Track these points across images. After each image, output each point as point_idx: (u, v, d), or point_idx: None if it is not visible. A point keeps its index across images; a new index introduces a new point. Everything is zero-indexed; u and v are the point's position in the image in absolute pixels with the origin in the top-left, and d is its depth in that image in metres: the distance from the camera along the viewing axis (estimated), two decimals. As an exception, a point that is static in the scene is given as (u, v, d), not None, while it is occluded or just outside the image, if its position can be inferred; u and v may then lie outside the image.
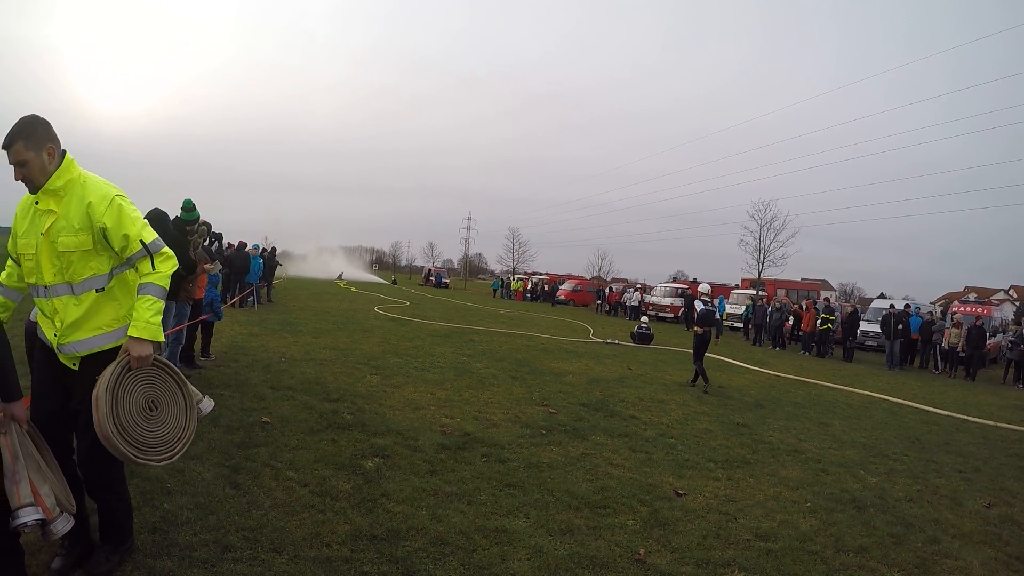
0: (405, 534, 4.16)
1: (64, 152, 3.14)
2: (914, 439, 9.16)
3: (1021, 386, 19.28)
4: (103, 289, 3.15)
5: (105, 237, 3.12)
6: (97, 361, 3.12)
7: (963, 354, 21.22)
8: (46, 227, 3.02)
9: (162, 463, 3.15)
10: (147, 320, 3.09)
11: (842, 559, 4.59)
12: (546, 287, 56.50)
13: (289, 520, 4.18)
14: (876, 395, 13.50)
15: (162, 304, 3.20)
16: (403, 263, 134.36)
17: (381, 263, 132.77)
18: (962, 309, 27.37)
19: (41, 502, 2.69)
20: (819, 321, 23.47)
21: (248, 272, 19.82)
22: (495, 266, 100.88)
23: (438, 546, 4.04)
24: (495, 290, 62.15)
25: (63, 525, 2.81)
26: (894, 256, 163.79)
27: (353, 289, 43.83)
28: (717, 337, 15.46)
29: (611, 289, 47.04)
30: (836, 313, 24.65)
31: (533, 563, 3.97)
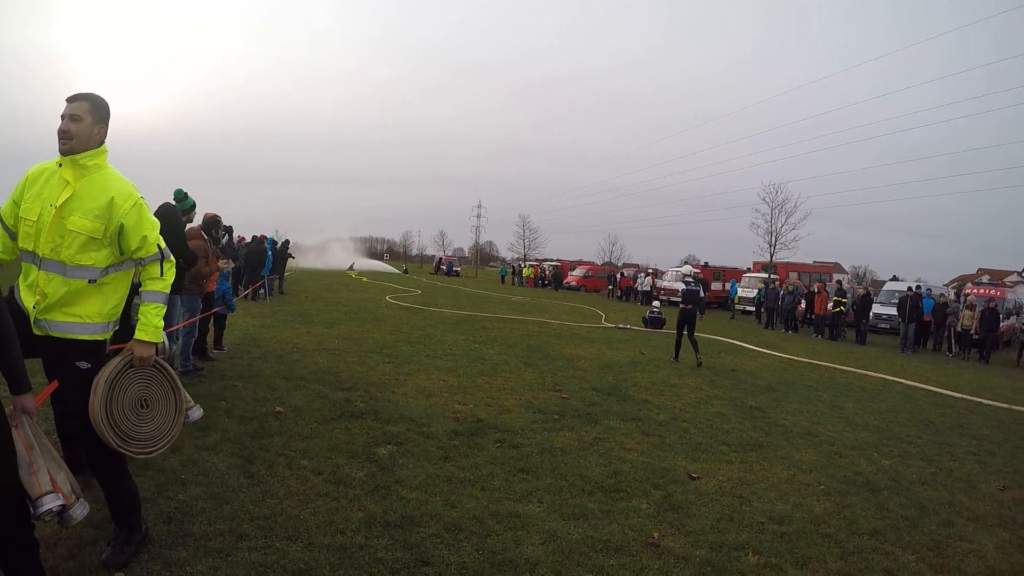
0: (419, 520, 4.17)
1: (104, 142, 3.25)
2: (928, 422, 9.10)
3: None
4: (95, 281, 3.17)
5: (119, 235, 3.18)
6: (68, 347, 3.16)
7: (976, 336, 21.09)
8: (60, 200, 3.04)
9: (139, 455, 3.28)
10: (155, 325, 3.27)
11: (856, 542, 4.57)
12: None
13: (303, 508, 4.20)
14: (890, 378, 13.43)
15: (165, 309, 3.37)
16: (414, 252, 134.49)
17: (392, 253, 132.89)
18: (975, 291, 27.12)
19: (59, 489, 2.72)
20: (831, 304, 23.34)
21: (263, 265, 19.89)
22: (506, 253, 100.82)
23: (452, 532, 4.05)
24: (503, 276, 62.55)
25: (81, 511, 2.86)
26: (906, 238, 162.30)
27: (364, 279, 43.91)
28: (700, 315, 15.67)
29: (623, 274, 46.91)
30: (848, 295, 24.50)
31: (547, 548, 3.98)
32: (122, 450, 3.17)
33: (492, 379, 9.20)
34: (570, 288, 51.78)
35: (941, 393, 12.07)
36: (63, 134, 3.07)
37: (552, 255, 74.79)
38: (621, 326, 20.08)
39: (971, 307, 21.51)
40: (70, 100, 3.13)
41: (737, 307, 32.95)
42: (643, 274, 40.53)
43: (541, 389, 8.80)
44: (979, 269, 78.54)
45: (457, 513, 4.34)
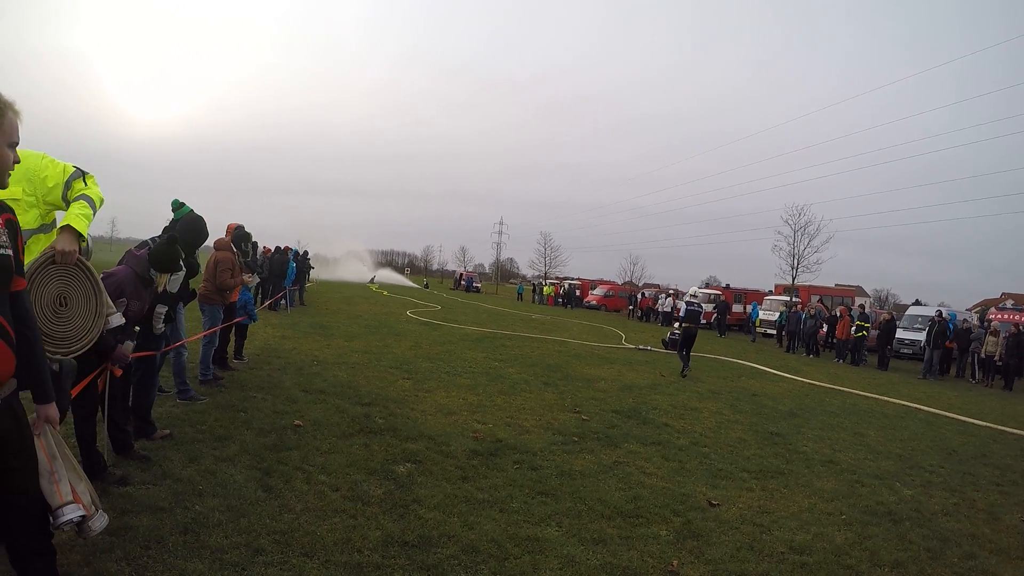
0: (437, 541, 4.13)
1: None
2: (950, 450, 8.95)
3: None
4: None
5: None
6: None
7: (1000, 363, 20.72)
8: None
9: (54, 356, 3.24)
10: (78, 213, 3.35)
11: (878, 574, 4.49)
12: (577, 291, 56.42)
13: (320, 525, 4.17)
14: (912, 405, 13.23)
15: (91, 213, 3.49)
16: (435, 267, 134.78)
17: (413, 267, 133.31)
18: (999, 316, 26.65)
19: (79, 500, 2.72)
20: (854, 328, 23.08)
21: (285, 276, 20.01)
22: (527, 270, 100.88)
23: (470, 554, 4.01)
24: (520, 294, 63.30)
25: (100, 522, 2.87)
26: (929, 261, 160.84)
27: (385, 293, 44.08)
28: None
29: (643, 294, 46.74)
30: (871, 320, 24.21)
31: (565, 573, 3.92)
32: None
33: (512, 398, 9.16)
34: (590, 307, 51.66)
35: (964, 421, 11.89)
36: None
37: (573, 273, 74.75)
38: (641, 347, 19.98)
39: (995, 333, 21.10)
40: None
41: (758, 330, 32.67)
42: (664, 295, 40.38)
43: (561, 410, 8.74)
44: (1003, 293, 77.26)
45: (475, 535, 4.30)
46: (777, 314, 30.67)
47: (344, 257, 79.78)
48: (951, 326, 22.24)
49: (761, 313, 33.27)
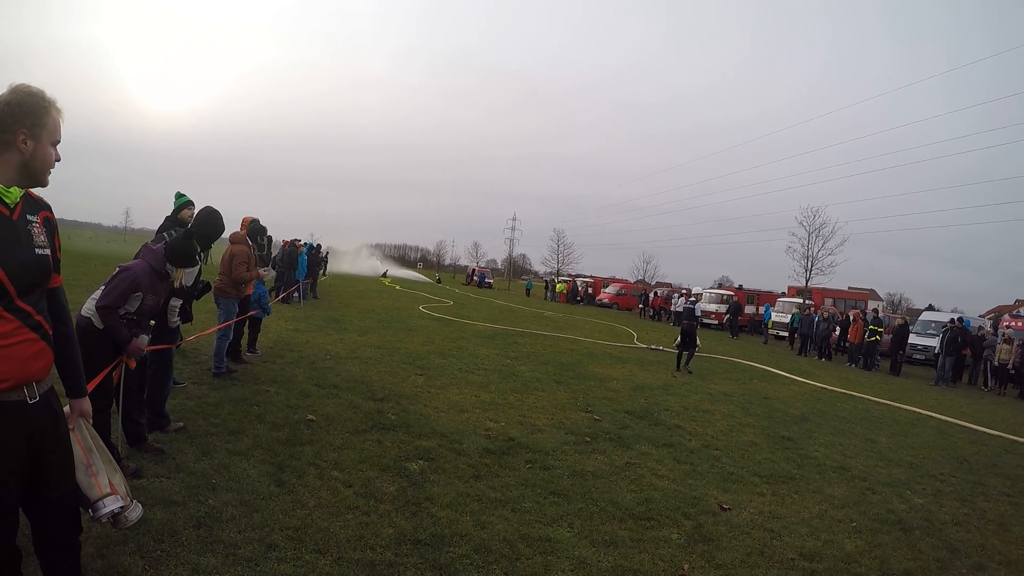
0: (449, 540, 4.13)
1: None
2: (962, 459, 8.89)
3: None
4: None
5: None
6: None
7: (1013, 371, 20.51)
8: None
9: None
10: None
11: (888, 583, 4.47)
12: (590, 289, 56.33)
13: (333, 521, 4.18)
14: (924, 412, 13.13)
15: None
16: (447, 262, 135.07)
17: (425, 262, 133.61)
18: (1014, 324, 26.42)
19: (116, 491, 2.76)
20: (867, 333, 22.94)
21: (296, 268, 20.06)
22: (539, 267, 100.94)
23: (482, 553, 4.01)
24: (528, 290, 64.01)
25: (136, 512, 2.89)
26: (944, 266, 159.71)
27: (397, 287, 44.17)
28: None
29: (656, 293, 46.58)
30: (884, 325, 24.04)
31: (577, 574, 3.92)
32: None
33: (524, 396, 9.16)
34: (602, 305, 51.56)
35: (976, 430, 11.79)
36: None
37: (586, 271, 74.68)
38: (653, 347, 19.93)
39: (1008, 340, 20.87)
40: None
41: (770, 332, 32.52)
42: (677, 294, 40.24)
43: (573, 409, 8.73)
44: (1017, 300, 76.64)
45: (487, 534, 4.30)
46: (789, 316, 30.54)
47: (357, 251, 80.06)
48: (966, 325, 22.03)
49: (774, 315, 33.12)
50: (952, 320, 22.87)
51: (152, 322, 5.07)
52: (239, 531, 3.87)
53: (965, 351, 21.74)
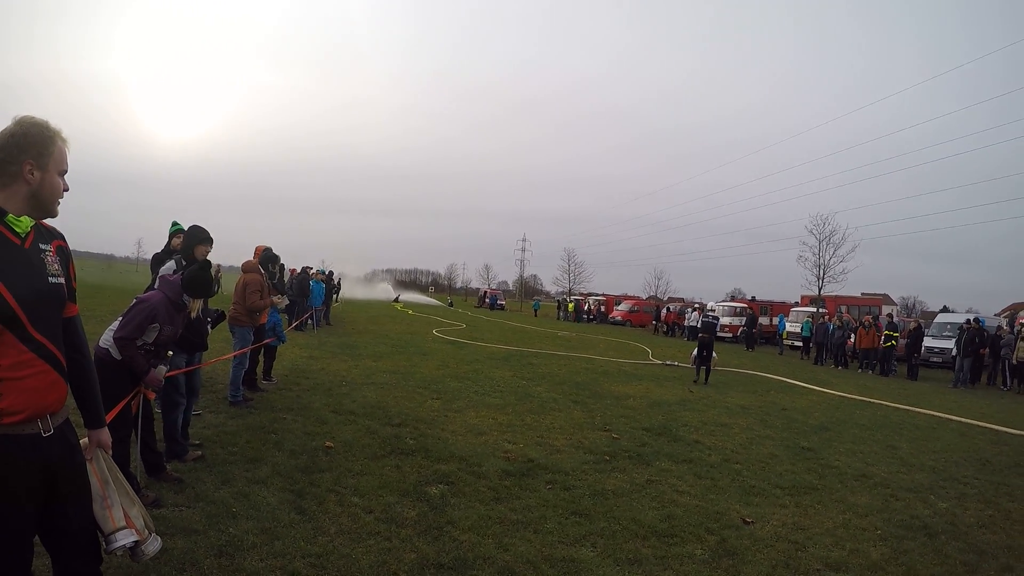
0: (472, 563, 4.10)
1: None
2: (984, 461, 8.79)
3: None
4: None
5: None
6: None
7: None
8: None
9: None
10: None
11: (916, 590, 4.42)
12: (603, 307, 56.27)
13: (355, 547, 4.17)
14: (943, 415, 13.01)
15: None
16: (458, 285, 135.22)
17: (437, 285, 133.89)
18: (1028, 320, 26.11)
19: (132, 524, 2.73)
20: (882, 338, 22.75)
21: (309, 295, 20.12)
22: (551, 287, 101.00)
23: (506, 576, 3.98)
24: (536, 310, 65.69)
25: (153, 546, 2.87)
26: (955, 267, 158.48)
27: (410, 312, 44.26)
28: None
29: (668, 309, 46.44)
30: (899, 329, 23.84)
31: (603, 595, 3.88)
32: None
33: (541, 418, 9.12)
34: (615, 323, 51.49)
35: (997, 430, 11.67)
36: None
37: (598, 289, 74.57)
38: (668, 363, 19.84)
39: (1024, 337, 20.67)
40: None
41: (785, 342, 32.34)
42: (690, 309, 40.13)
43: (591, 429, 8.69)
44: (1032, 296, 75.98)
45: (510, 556, 4.27)
46: (800, 325, 30.39)
47: (368, 277, 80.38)
48: (983, 323, 21.81)
49: (788, 325, 32.95)
50: (968, 321, 22.63)
51: (170, 353, 5.09)
52: (261, 559, 3.86)
53: (984, 351, 21.50)
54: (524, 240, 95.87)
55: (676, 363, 19.74)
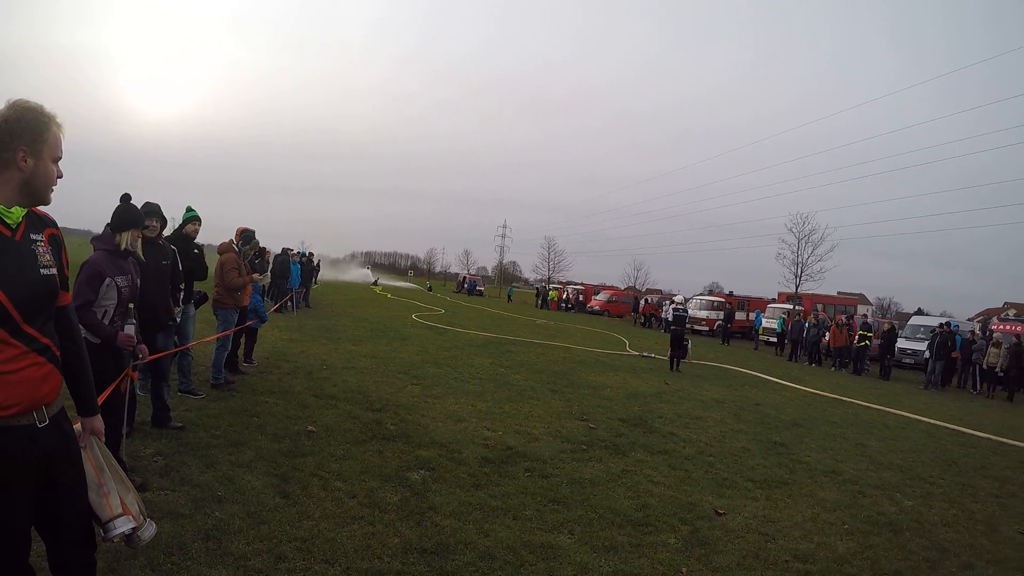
0: (454, 548, 4.22)
1: None
2: (951, 462, 9.03)
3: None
4: None
5: None
6: None
7: (1002, 374, 20.72)
8: None
9: None
10: None
11: (879, 583, 4.59)
12: (581, 297, 56.41)
13: (340, 531, 4.26)
14: (913, 416, 13.29)
15: None
16: (437, 270, 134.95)
17: (416, 269, 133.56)
18: (1001, 327, 26.65)
19: (128, 511, 2.73)
20: (856, 338, 23.12)
21: (288, 277, 20.08)
22: (530, 274, 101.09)
23: (487, 560, 4.10)
24: (510, 296, 66.28)
25: (149, 532, 2.86)
26: (932, 270, 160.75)
27: (389, 296, 44.21)
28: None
29: (647, 300, 46.73)
30: (873, 329, 24.25)
31: (580, 580, 4.01)
32: None
33: (519, 405, 9.25)
34: (593, 312, 51.67)
35: (965, 432, 11.96)
36: None
37: (576, 278, 74.71)
38: (645, 354, 20.04)
39: (997, 344, 21.09)
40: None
41: (761, 338, 32.73)
42: (668, 301, 40.43)
43: (568, 418, 8.83)
44: (1006, 303, 77.19)
45: (491, 542, 4.39)
46: (776, 321, 30.76)
47: (347, 259, 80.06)
48: (958, 339, 22.29)
49: (764, 321, 33.33)
50: (941, 325, 23.07)
51: (131, 305, 4.91)
52: (247, 543, 3.93)
53: (954, 355, 21.94)
54: (504, 226, 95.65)
55: (653, 355, 19.95)
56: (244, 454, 5.58)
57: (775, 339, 30.72)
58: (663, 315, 38.18)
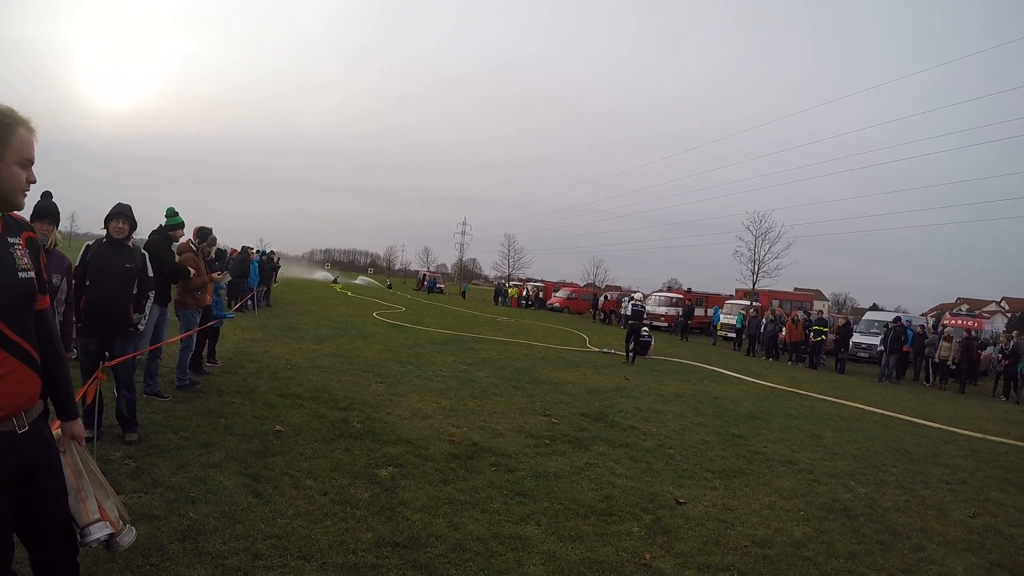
0: (426, 541, 4.35)
1: None
2: (903, 451, 9.34)
3: (1005, 399, 19.53)
4: None
5: None
6: None
7: (953, 367, 21.36)
8: None
9: None
10: None
11: (833, 564, 4.81)
12: (541, 294, 56.51)
13: (314, 528, 4.36)
14: (867, 408, 13.67)
15: None
16: (397, 267, 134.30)
17: (376, 267, 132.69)
18: (953, 322, 27.51)
19: (107, 516, 2.73)
20: (811, 333, 23.69)
21: (247, 276, 19.89)
22: (490, 271, 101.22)
23: (458, 552, 4.24)
24: (464, 292, 66.68)
25: (128, 538, 2.86)
26: (888, 265, 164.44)
27: (349, 294, 43.94)
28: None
29: (606, 297, 47.10)
30: (828, 324, 24.85)
31: (548, 568, 4.17)
32: None
33: (483, 402, 9.38)
34: (553, 309, 51.87)
35: (917, 423, 12.33)
36: None
37: (536, 275, 75.01)
38: (605, 350, 20.29)
39: (948, 338, 21.79)
40: None
41: (719, 333, 33.28)
42: (628, 298, 40.86)
43: (531, 413, 8.99)
44: (958, 298, 79.47)
45: (461, 534, 4.53)
46: (735, 317, 31.33)
47: (307, 256, 79.33)
48: (909, 333, 22.93)
49: (723, 317, 33.89)
50: (894, 320, 23.73)
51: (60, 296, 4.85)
52: (224, 542, 4.00)
53: (906, 349, 22.59)
54: (464, 223, 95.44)
55: (613, 351, 20.21)
56: (214, 455, 5.63)
57: (733, 335, 31.28)
58: (622, 311, 38.60)
